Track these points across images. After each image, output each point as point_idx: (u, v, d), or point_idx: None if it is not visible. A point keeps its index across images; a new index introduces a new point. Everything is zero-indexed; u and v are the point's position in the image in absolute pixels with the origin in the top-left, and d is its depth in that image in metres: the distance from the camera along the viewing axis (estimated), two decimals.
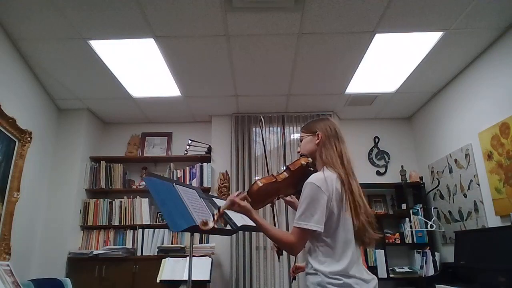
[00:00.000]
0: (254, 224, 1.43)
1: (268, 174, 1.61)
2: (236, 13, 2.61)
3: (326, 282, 1.29)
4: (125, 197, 4.07)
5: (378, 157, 4.41)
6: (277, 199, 1.66)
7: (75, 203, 3.85)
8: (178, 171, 4.20)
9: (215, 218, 1.43)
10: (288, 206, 2.38)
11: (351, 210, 1.34)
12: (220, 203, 2.34)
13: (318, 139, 1.49)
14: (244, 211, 1.43)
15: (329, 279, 1.29)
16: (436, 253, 3.67)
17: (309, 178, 1.37)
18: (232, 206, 1.43)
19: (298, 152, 1.59)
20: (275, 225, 1.65)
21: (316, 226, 1.30)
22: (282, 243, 1.37)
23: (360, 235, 1.36)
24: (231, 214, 1.80)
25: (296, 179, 1.42)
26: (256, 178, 4.06)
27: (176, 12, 2.59)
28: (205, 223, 1.40)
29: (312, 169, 1.46)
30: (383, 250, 3.82)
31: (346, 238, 1.33)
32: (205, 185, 4.06)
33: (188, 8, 2.55)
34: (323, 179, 1.35)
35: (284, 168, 1.54)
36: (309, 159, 1.49)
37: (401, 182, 4.09)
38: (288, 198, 1.70)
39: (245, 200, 1.44)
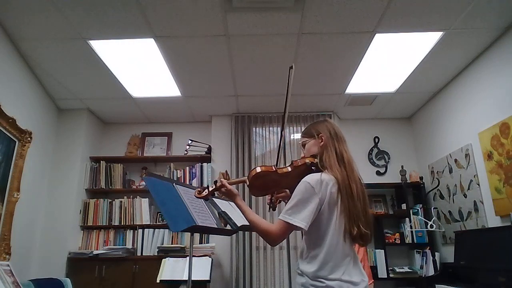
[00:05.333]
0: None
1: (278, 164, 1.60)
2: (236, 13, 2.61)
3: (310, 284, 1.31)
4: (125, 197, 4.07)
5: (378, 157, 4.41)
6: (275, 202, 1.64)
7: (75, 203, 3.85)
8: (178, 171, 4.20)
9: (210, 190, 1.58)
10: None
11: (346, 216, 1.33)
12: (221, 203, 2.36)
13: (322, 141, 1.48)
14: (229, 194, 1.52)
15: (312, 281, 1.31)
16: (436, 253, 3.67)
17: (305, 177, 1.37)
18: (221, 187, 1.53)
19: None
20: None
21: (301, 223, 1.30)
22: (263, 231, 1.38)
23: (355, 239, 1.34)
24: (231, 214, 1.80)
25: (297, 175, 1.43)
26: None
27: (176, 12, 2.59)
28: (200, 191, 1.60)
29: (314, 169, 1.46)
30: (383, 250, 3.83)
31: (334, 242, 1.32)
32: (205, 185, 4.06)
33: (188, 8, 2.55)
34: (318, 181, 1.34)
35: (289, 163, 1.54)
36: (315, 159, 1.48)
37: (401, 182, 4.09)
38: (283, 194, 1.67)
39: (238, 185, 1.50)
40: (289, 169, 1.51)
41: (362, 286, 1.33)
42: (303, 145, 1.57)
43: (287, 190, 1.66)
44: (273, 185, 1.58)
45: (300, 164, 1.50)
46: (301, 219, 1.30)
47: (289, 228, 1.33)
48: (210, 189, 1.58)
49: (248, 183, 1.51)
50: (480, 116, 3.16)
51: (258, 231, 1.41)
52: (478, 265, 2.80)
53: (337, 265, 1.31)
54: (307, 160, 1.49)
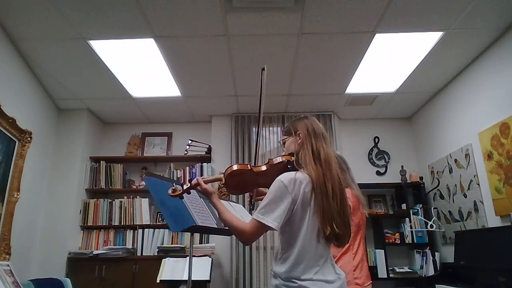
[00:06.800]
0: None
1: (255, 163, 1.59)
2: (236, 13, 2.61)
3: (282, 285, 1.30)
4: (125, 197, 4.07)
5: (378, 157, 4.41)
6: (252, 202, 1.64)
7: (75, 203, 3.85)
8: (178, 171, 4.21)
9: (184, 188, 1.55)
10: None
11: (320, 215, 1.30)
12: None
13: (299, 139, 1.45)
14: (205, 192, 1.53)
15: (285, 282, 1.29)
16: (436, 253, 3.67)
17: (279, 176, 1.35)
18: (196, 185, 1.53)
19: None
20: None
21: (272, 223, 1.28)
22: (236, 230, 1.36)
23: (330, 239, 1.31)
24: None
25: (274, 174, 1.39)
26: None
27: (176, 12, 2.59)
28: (174, 190, 1.55)
29: (291, 168, 1.43)
30: (383, 250, 3.82)
31: (307, 243, 1.30)
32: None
33: (188, 8, 2.55)
34: (292, 179, 1.32)
35: (266, 161, 1.53)
36: (293, 158, 1.45)
37: (401, 182, 4.09)
38: (262, 197, 1.63)
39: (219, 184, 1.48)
40: (265, 168, 1.49)
41: (338, 283, 1.31)
42: (284, 143, 1.54)
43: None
44: (250, 184, 1.57)
45: (275, 162, 1.48)
46: (273, 219, 1.28)
47: (262, 227, 1.31)
48: (185, 187, 1.54)
49: (223, 181, 1.49)
50: (480, 116, 3.16)
51: (232, 230, 1.39)
52: (478, 265, 2.80)
53: (309, 266, 1.29)
54: (283, 159, 1.47)
